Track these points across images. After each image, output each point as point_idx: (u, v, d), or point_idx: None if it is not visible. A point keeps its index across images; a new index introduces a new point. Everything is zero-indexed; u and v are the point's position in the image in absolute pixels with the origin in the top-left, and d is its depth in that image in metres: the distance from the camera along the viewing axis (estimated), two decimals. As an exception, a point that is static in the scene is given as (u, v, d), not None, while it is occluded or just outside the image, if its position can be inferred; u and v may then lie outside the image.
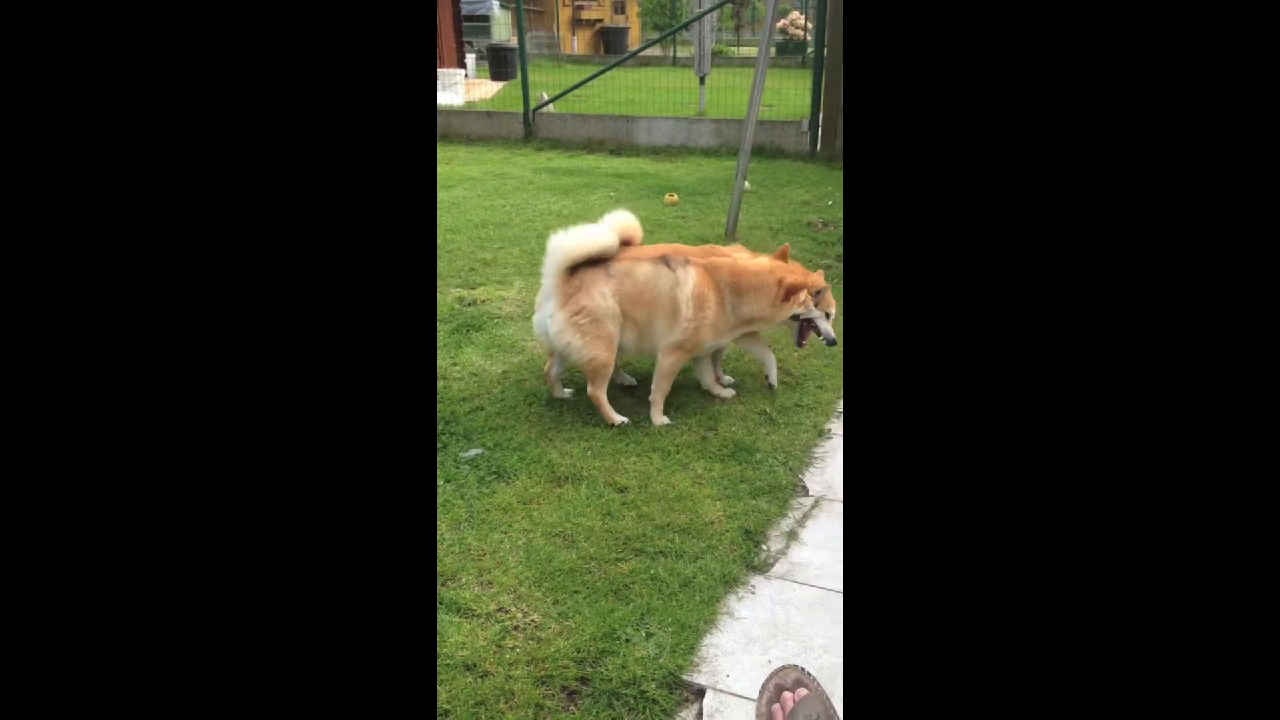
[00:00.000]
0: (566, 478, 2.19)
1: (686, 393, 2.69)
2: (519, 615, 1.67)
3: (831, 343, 2.57)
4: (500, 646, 1.59)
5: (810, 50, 7.38)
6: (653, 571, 1.81)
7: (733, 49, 17.60)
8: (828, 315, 2.58)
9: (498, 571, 1.80)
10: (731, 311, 2.53)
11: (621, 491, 2.13)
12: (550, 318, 2.45)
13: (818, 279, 2.57)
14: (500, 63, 12.92)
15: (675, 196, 5.37)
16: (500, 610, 1.68)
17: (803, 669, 1.35)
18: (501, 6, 15.78)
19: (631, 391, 2.75)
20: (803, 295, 2.52)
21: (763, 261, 2.59)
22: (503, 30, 15.42)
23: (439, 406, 2.57)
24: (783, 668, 1.35)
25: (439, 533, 1.93)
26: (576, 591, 1.74)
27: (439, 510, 2.03)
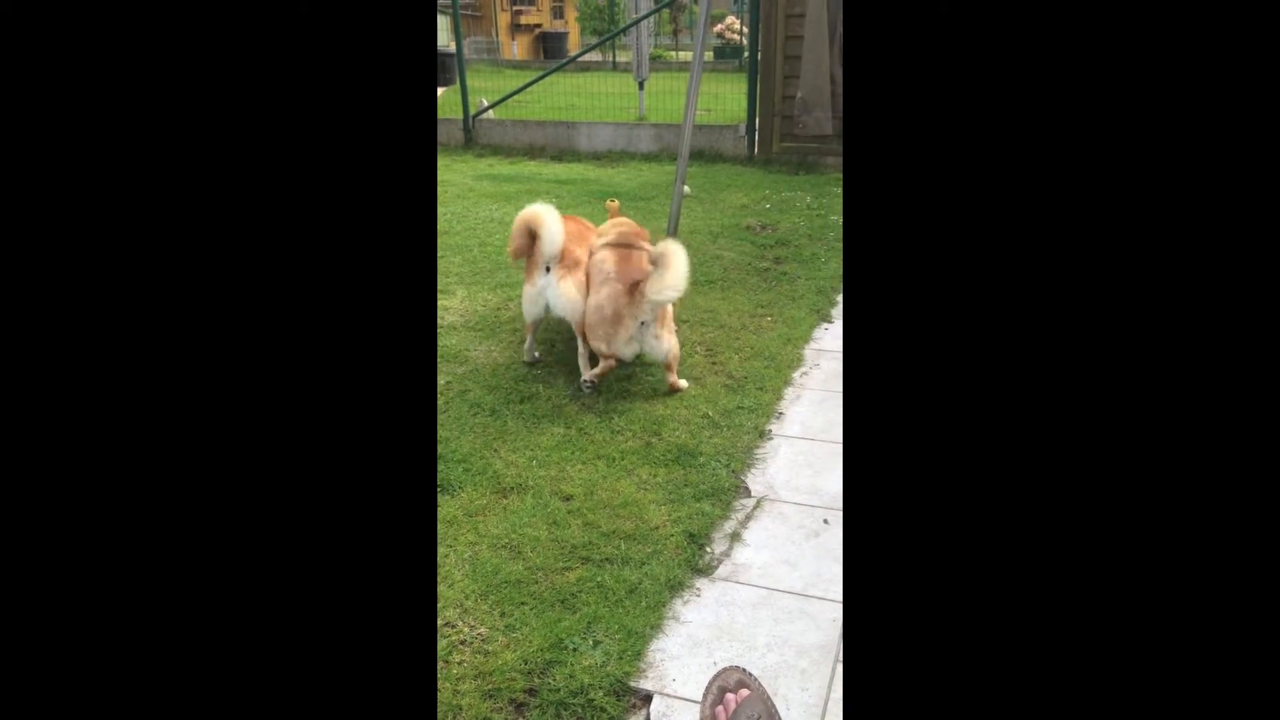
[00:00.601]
0: (512, 488, 2.19)
1: (631, 399, 2.71)
2: (465, 629, 1.67)
3: None
4: (447, 661, 1.58)
5: (747, 54, 7.49)
6: (599, 579, 1.83)
7: (671, 53, 17.75)
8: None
9: (443, 586, 1.79)
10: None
11: (567, 500, 2.14)
12: (553, 288, 2.79)
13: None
14: (439, 68, 12.77)
15: (616, 203, 5.39)
16: (446, 625, 1.68)
17: (744, 670, 1.38)
18: (440, 11, 15.62)
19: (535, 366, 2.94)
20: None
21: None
22: (441, 36, 15.25)
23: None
24: (725, 669, 1.38)
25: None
26: (523, 603, 1.75)
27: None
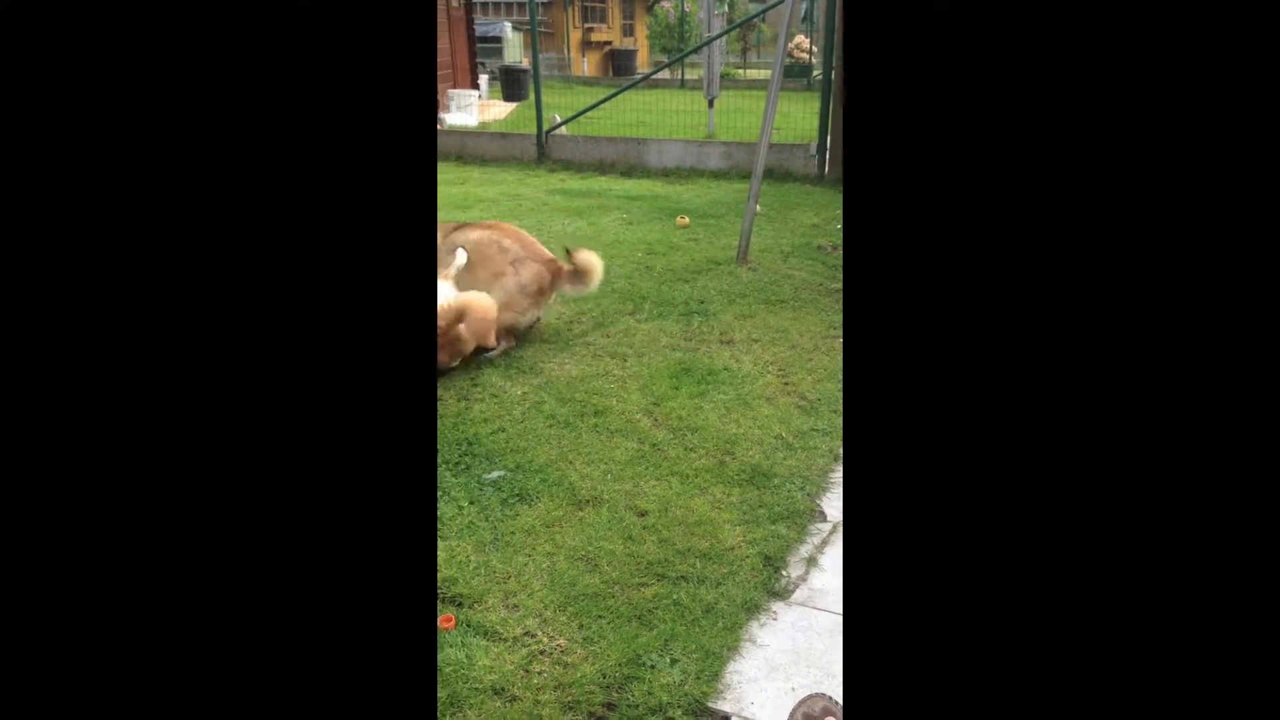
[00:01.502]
0: (587, 501, 2.21)
1: (704, 416, 2.72)
2: (545, 639, 1.69)
3: None
4: (528, 671, 1.60)
5: (816, 73, 7.45)
6: (675, 597, 1.83)
7: (739, 71, 17.79)
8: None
9: (523, 595, 1.82)
10: None
11: (642, 515, 2.15)
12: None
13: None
14: (512, 84, 13.06)
15: (687, 219, 5.42)
16: (526, 634, 1.70)
17: (830, 697, 1.37)
18: (514, 28, 15.97)
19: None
20: None
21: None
22: (515, 52, 15.60)
23: (462, 427, 2.60)
24: (810, 696, 1.37)
25: (465, 555, 1.96)
26: (601, 616, 1.76)
27: (464, 533, 2.05)
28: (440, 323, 2.87)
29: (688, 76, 15.84)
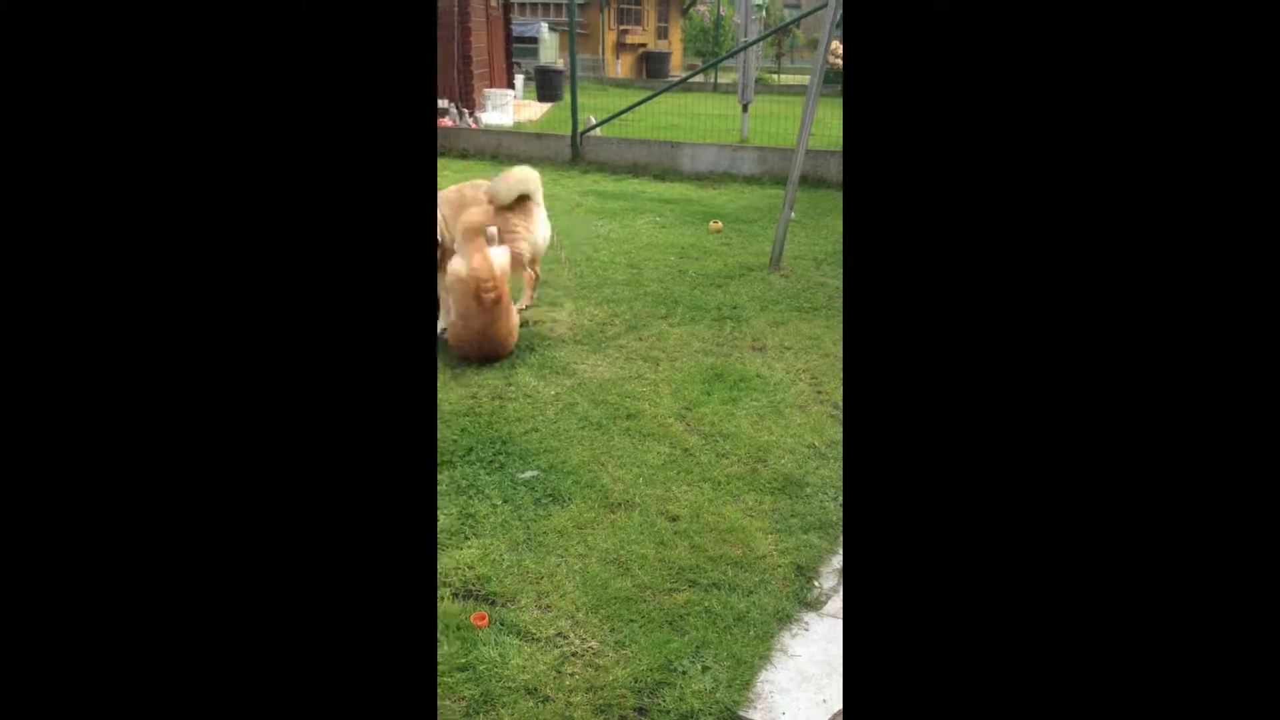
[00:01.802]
0: (619, 504, 2.21)
1: (736, 423, 2.71)
2: (577, 641, 1.70)
3: None
4: (560, 672, 1.61)
5: (857, 82, 7.37)
6: (707, 604, 1.83)
7: (773, 76, 17.72)
8: None
9: (555, 596, 1.83)
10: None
11: (674, 520, 2.15)
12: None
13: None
14: (548, 84, 13.13)
15: (720, 224, 5.41)
16: (559, 635, 1.71)
17: (865, 712, 1.36)
18: (551, 29, 16.06)
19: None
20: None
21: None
22: (550, 52, 15.68)
23: (497, 426, 2.62)
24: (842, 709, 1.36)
25: (498, 553, 1.97)
26: (632, 620, 1.76)
27: (497, 531, 2.06)
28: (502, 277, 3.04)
29: (720, 80, 15.82)
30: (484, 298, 2.97)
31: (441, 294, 3.20)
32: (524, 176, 3.41)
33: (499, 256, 3.11)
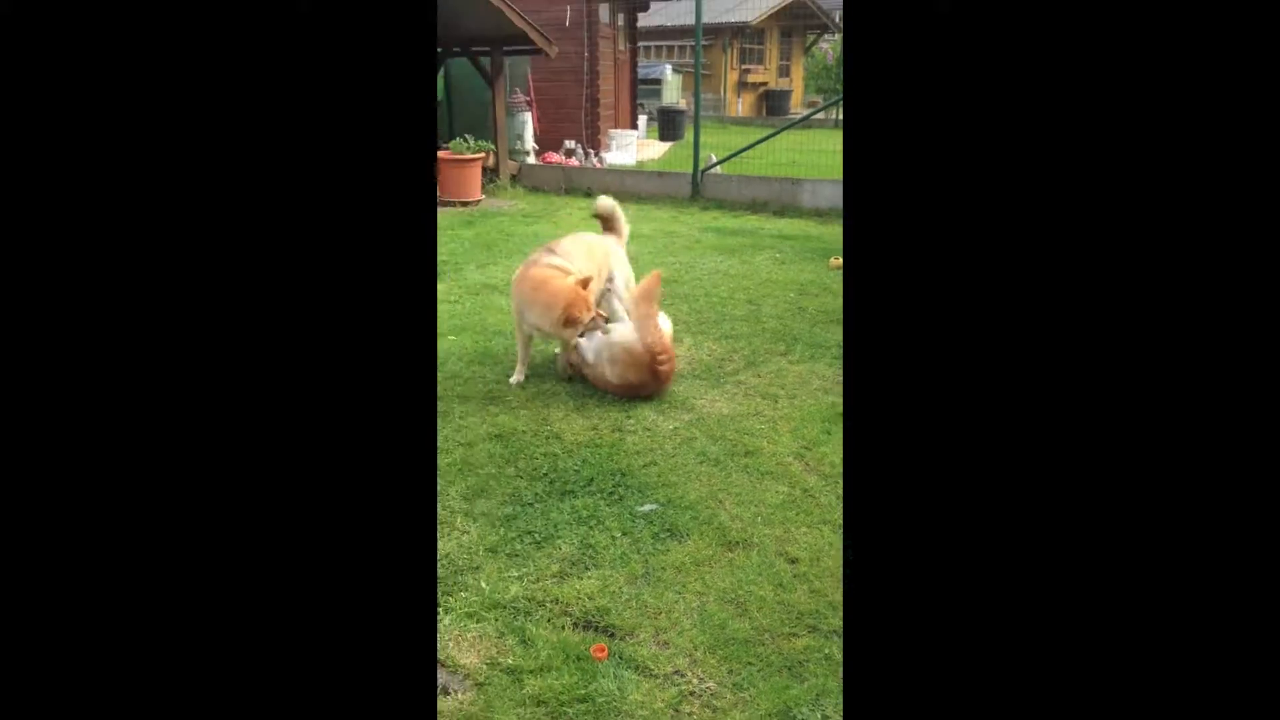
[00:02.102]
0: (738, 542, 2.19)
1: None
2: (695, 680, 1.68)
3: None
4: (678, 711, 1.60)
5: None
6: (827, 651, 1.78)
7: (898, 111, 17.38)
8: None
9: (673, 632, 1.83)
10: (519, 315, 3.23)
11: (793, 563, 2.11)
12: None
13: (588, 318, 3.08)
14: (669, 124, 13.42)
15: (840, 260, 5.32)
16: (676, 673, 1.70)
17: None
18: (674, 70, 16.44)
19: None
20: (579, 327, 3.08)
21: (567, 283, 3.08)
22: (673, 93, 16.04)
23: (617, 459, 2.66)
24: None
25: (617, 585, 1.99)
26: (750, 663, 1.74)
27: (616, 564, 2.09)
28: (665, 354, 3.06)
29: (840, 117, 15.66)
30: (660, 370, 3.03)
31: (572, 336, 3.17)
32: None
33: (667, 326, 3.17)
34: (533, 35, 7.66)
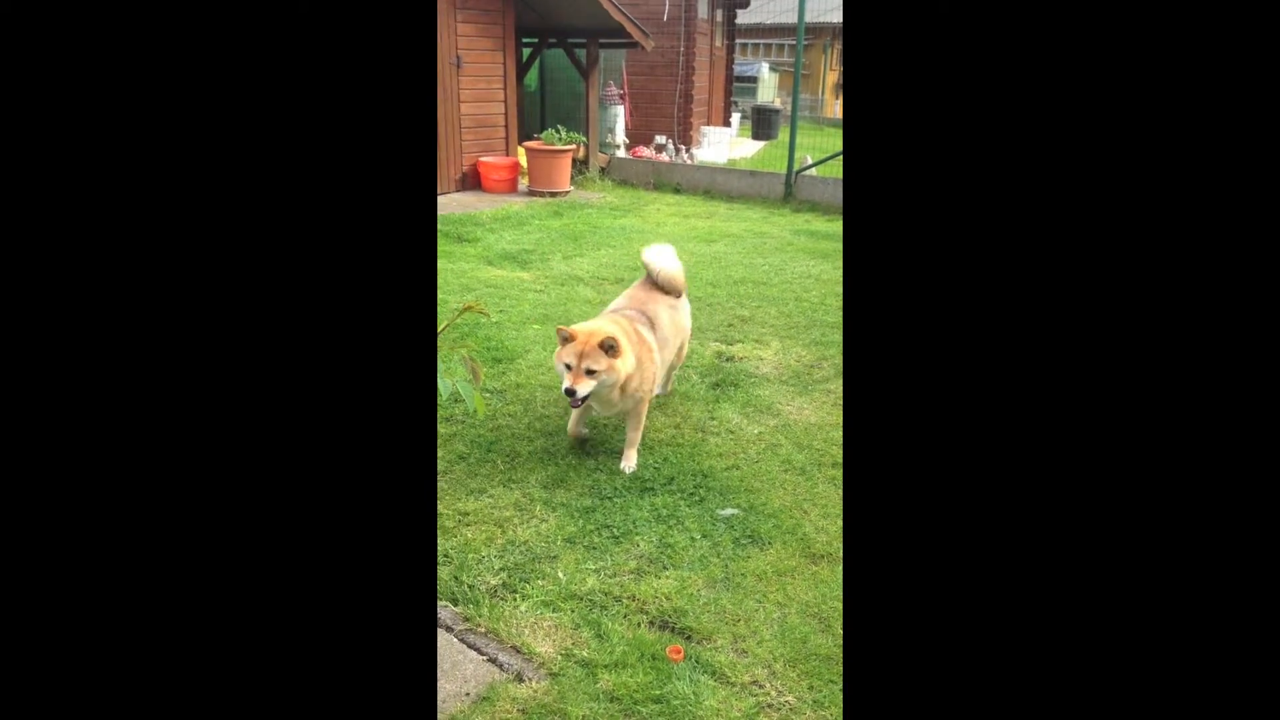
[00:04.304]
0: (822, 555, 2.12)
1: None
2: (773, 693, 1.63)
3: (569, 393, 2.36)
4: (754, 722, 1.56)
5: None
6: (914, 677, 1.69)
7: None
8: (568, 366, 2.37)
9: (752, 641, 1.78)
10: None
11: (879, 581, 2.03)
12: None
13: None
14: (763, 123, 13.24)
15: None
16: (754, 683, 1.66)
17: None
18: (771, 69, 16.22)
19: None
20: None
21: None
22: (768, 91, 15.83)
23: (698, 459, 2.62)
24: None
25: (695, 588, 1.96)
26: (832, 681, 1.67)
27: (695, 565, 2.05)
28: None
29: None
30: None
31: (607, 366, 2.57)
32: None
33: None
34: (629, 28, 7.66)
